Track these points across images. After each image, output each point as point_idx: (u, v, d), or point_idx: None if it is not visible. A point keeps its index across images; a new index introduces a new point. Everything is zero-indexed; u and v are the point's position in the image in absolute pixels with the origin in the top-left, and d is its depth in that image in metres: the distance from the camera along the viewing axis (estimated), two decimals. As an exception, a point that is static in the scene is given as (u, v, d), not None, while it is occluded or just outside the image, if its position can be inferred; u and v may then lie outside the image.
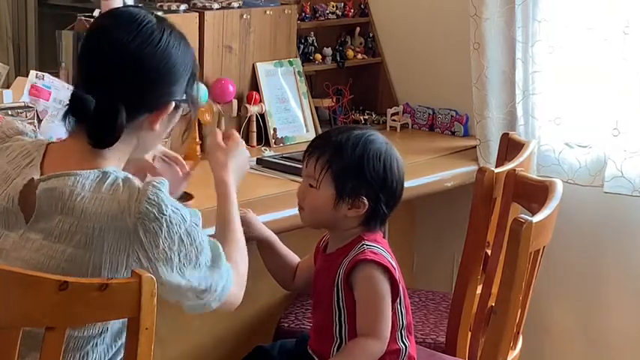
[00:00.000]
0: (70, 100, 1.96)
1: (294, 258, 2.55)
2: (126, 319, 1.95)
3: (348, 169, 2.33)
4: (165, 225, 1.91)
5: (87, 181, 1.92)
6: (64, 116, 1.97)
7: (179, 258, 1.94)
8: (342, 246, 2.38)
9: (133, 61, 1.95)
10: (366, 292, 2.32)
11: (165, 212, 1.91)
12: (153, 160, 2.32)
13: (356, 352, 2.32)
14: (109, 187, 1.91)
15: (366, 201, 2.33)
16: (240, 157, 2.36)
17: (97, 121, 1.93)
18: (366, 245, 2.34)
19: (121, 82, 1.94)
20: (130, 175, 1.96)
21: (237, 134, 2.39)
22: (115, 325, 1.97)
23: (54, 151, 2.01)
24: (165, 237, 1.91)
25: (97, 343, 1.96)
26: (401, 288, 2.36)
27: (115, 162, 2.00)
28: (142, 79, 1.96)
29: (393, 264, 2.35)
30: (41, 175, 1.96)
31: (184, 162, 2.38)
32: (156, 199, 1.91)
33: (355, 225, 2.37)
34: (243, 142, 2.39)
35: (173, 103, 2.01)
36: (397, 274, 2.34)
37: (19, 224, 1.96)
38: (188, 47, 2.04)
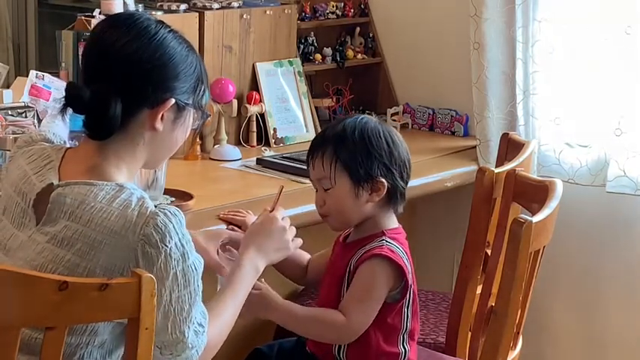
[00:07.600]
0: (65, 91, 1.96)
1: (301, 253, 2.53)
2: (117, 337, 1.95)
3: (354, 153, 2.33)
4: (163, 256, 1.88)
5: (101, 192, 1.91)
6: (62, 110, 1.97)
7: (170, 298, 1.90)
8: (362, 237, 2.39)
9: (127, 52, 1.95)
10: (365, 278, 2.31)
11: (167, 244, 1.88)
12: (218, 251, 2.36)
13: (326, 320, 2.32)
14: (121, 202, 1.90)
15: (383, 180, 2.33)
16: (270, 237, 2.32)
17: (92, 110, 1.93)
18: (386, 242, 2.34)
19: (116, 73, 1.94)
20: (147, 196, 1.94)
21: (273, 215, 2.35)
22: (104, 335, 1.94)
23: (70, 156, 2.02)
24: (160, 268, 1.88)
25: (83, 356, 1.94)
26: (412, 291, 2.35)
27: (125, 168, 1.99)
28: (136, 69, 1.95)
29: (408, 266, 2.34)
30: (59, 179, 1.97)
31: None
32: (163, 228, 1.88)
33: (379, 208, 2.36)
34: (278, 220, 2.34)
35: (172, 100, 1.98)
36: (410, 277, 2.34)
37: (30, 225, 1.96)
38: (191, 50, 2.03)
